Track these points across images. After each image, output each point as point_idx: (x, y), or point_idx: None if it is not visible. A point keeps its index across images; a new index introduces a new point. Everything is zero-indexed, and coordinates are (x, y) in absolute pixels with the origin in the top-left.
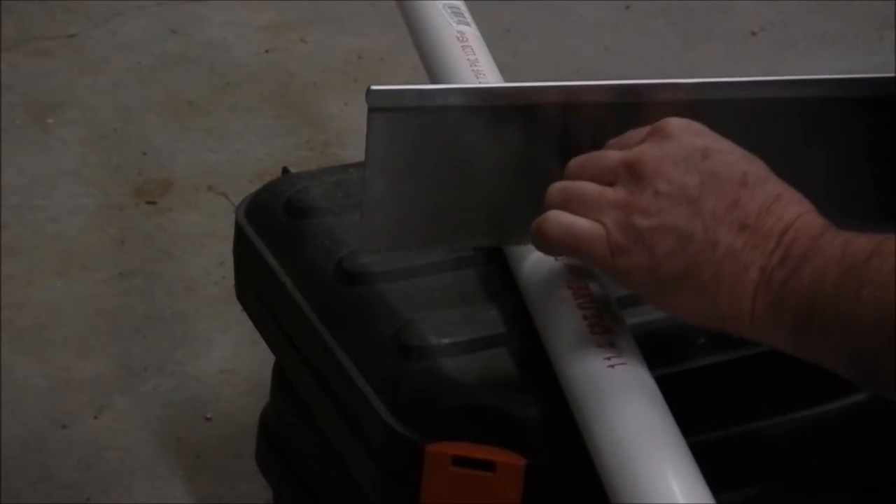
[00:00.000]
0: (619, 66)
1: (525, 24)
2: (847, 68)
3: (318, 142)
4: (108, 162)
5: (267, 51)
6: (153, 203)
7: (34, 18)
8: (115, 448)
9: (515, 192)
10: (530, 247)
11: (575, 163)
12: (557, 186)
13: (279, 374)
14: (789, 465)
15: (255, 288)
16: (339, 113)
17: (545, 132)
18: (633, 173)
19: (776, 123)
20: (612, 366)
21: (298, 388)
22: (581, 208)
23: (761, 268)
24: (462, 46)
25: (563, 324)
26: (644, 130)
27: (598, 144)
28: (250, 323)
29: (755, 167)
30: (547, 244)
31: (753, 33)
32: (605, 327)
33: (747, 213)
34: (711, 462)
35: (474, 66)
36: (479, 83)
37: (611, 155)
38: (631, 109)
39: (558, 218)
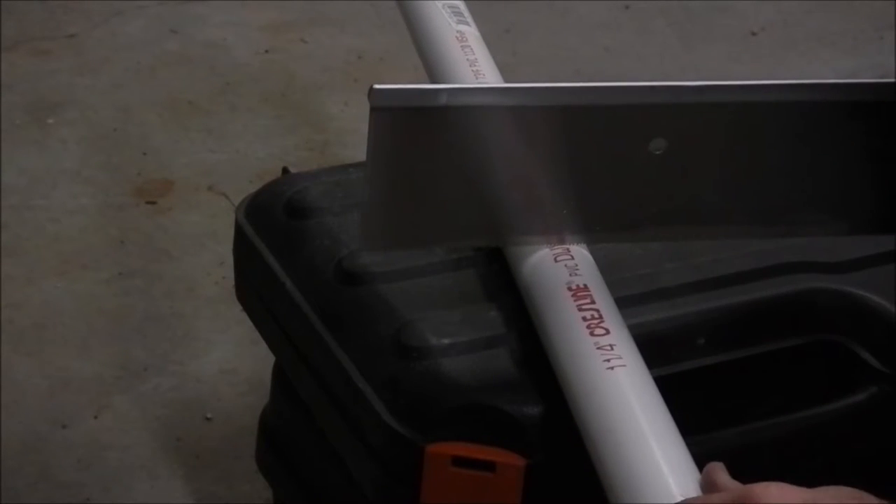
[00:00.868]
0: (618, 67)
1: (525, 24)
2: (847, 68)
3: (318, 142)
4: (108, 162)
5: (267, 51)
6: (153, 203)
7: (34, 18)
8: (115, 448)
9: (516, 192)
10: (530, 247)
11: None
12: None
13: (279, 374)
14: (789, 464)
15: (255, 288)
16: (340, 113)
17: (545, 132)
18: None
19: (776, 126)
20: (611, 367)
21: (298, 389)
22: None
23: None
24: (462, 46)
25: (562, 325)
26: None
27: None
28: (250, 323)
29: None
30: None
31: (753, 33)
32: (605, 328)
33: None
34: (710, 462)
35: (474, 66)
36: (479, 83)
37: None
38: (629, 112)
39: None
